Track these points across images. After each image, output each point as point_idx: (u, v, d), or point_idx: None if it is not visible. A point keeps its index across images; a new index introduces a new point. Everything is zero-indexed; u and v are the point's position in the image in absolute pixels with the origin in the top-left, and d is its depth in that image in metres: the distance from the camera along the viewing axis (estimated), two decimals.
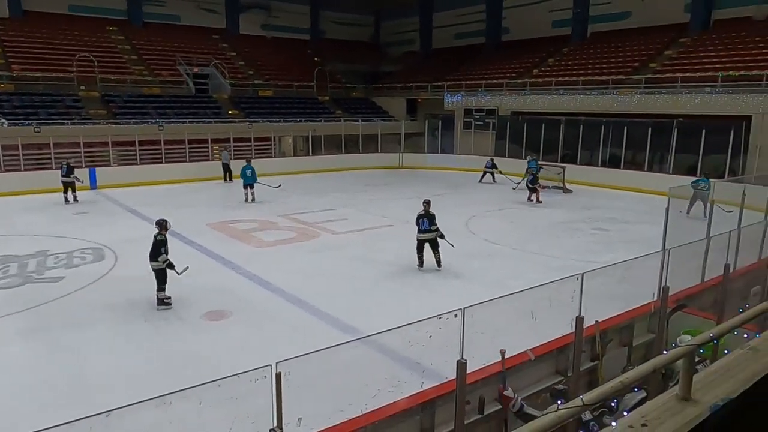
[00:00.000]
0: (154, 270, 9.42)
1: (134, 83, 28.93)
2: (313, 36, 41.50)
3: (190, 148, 25.01)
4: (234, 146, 26.24)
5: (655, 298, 6.57)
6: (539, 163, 22.65)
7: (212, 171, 24.33)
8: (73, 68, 26.86)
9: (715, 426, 2.25)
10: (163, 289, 9.45)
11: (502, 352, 4.62)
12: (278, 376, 2.80)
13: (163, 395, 2.41)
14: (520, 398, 4.70)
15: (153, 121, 25.67)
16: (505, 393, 4.72)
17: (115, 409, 2.36)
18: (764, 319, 4.86)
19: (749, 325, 4.22)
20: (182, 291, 10.11)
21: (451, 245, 11.41)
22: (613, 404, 4.50)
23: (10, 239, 13.69)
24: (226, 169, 24.01)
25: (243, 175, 19.53)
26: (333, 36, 42.11)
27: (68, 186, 18.73)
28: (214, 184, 23.23)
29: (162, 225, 9.83)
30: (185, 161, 24.87)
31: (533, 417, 4.72)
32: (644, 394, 4.93)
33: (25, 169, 21.51)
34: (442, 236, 11.36)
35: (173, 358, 7.44)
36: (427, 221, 11.33)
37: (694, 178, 15.67)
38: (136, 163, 23.70)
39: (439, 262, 11.40)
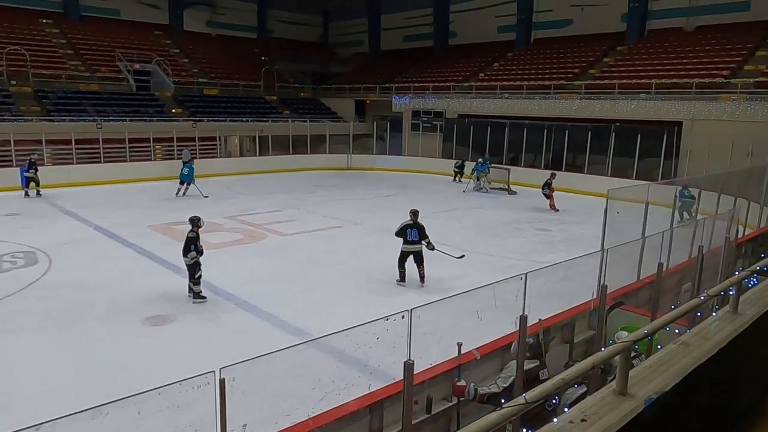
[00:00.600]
0: (186, 265, 9.55)
1: (70, 79, 27.65)
2: (260, 35, 40.88)
3: (130, 147, 24.11)
4: (177, 146, 25.51)
5: (595, 296, 6.81)
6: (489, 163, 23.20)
7: (154, 171, 23.59)
8: (2, 62, 25.43)
9: (649, 418, 2.35)
10: (198, 283, 9.46)
11: (459, 345, 4.71)
12: (222, 382, 2.73)
13: (99, 405, 2.30)
14: (472, 384, 4.76)
15: (91, 118, 24.61)
16: (458, 384, 4.79)
17: (47, 422, 2.23)
18: (694, 314, 5.12)
19: (681, 320, 4.44)
20: (122, 295, 9.75)
21: (457, 258, 10.95)
22: (554, 401, 4.62)
23: None
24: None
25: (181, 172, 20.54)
26: (281, 35, 41.60)
27: (30, 181, 19.18)
28: (158, 185, 22.49)
29: (194, 222, 9.73)
30: (125, 161, 23.98)
31: (492, 395, 4.78)
32: (585, 389, 5.09)
33: None
34: (432, 248, 10.59)
35: (111, 366, 7.14)
36: (416, 231, 10.51)
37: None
38: (73, 163, 22.67)
39: (423, 277, 10.58)
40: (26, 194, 19.15)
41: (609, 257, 6.72)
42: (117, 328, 8.43)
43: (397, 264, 10.68)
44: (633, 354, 5.35)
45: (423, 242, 10.58)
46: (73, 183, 21.37)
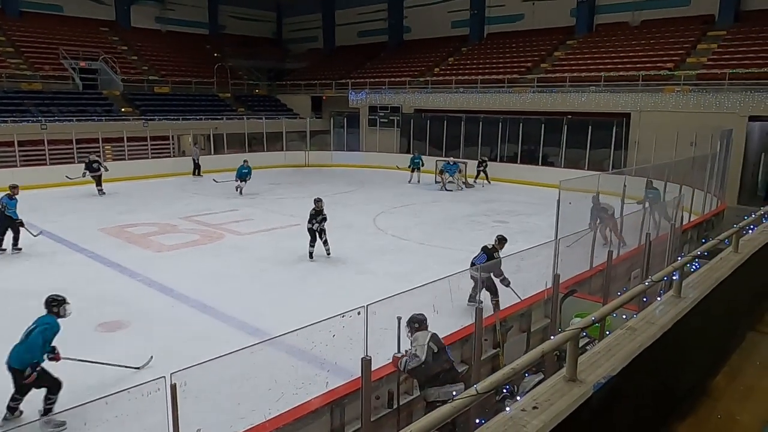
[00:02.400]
0: None
1: (11, 78, 26.44)
2: (211, 31, 40.00)
3: (78, 148, 23.23)
4: (128, 146, 24.77)
5: (549, 286, 6.98)
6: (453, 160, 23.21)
7: (105, 172, 22.79)
8: None
9: (598, 403, 2.42)
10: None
11: (399, 319, 4.71)
12: (173, 387, 2.67)
13: (42, 418, 2.20)
14: (405, 359, 4.72)
15: (34, 119, 23.61)
16: (396, 355, 4.83)
17: None
18: (642, 299, 5.30)
19: (631, 305, 4.59)
20: (73, 301, 9.39)
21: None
22: (506, 389, 4.71)
23: None
24: (195, 164, 24.90)
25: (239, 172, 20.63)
26: (233, 31, 40.81)
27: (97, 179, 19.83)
28: (108, 186, 21.77)
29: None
30: (73, 162, 23.06)
31: (414, 358, 4.74)
32: (541, 377, 5.21)
33: None
34: (507, 284, 8.04)
35: (61, 375, 6.84)
36: (482, 257, 8.58)
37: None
38: (16, 166, 21.70)
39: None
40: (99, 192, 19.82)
41: (562, 247, 6.88)
42: (67, 335, 8.09)
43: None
44: (587, 340, 5.51)
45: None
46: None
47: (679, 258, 3.89)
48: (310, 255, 12.03)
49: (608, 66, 24.44)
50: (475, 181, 23.20)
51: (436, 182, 22.81)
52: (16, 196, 12.81)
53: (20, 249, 12.52)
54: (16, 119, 23.19)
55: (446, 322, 5.13)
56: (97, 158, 20.45)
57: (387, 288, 9.40)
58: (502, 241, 8.83)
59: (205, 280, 10.68)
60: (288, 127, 30.66)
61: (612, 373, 2.53)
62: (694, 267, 4.17)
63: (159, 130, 26.49)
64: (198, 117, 28.83)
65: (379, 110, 30.61)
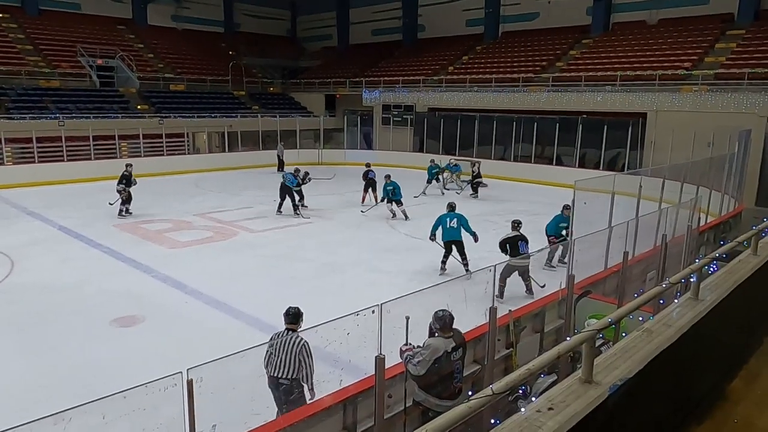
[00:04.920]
0: None
1: (30, 75, 26.79)
2: (227, 29, 40.23)
3: (95, 144, 23.52)
4: (144, 143, 25.01)
5: (563, 286, 6.93)
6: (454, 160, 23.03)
7: (121, 169, 23.02)
8: None
9: (614, 404, 2.40)
10: None
11: (407, 318, 4.67)
12: (190, 383, 2.70)
13: (62, 411, 2.24)
14: (408, 354, 4.66)
15: (52, 116, 23.91)
16: (403, 347, 4.74)
17: (6, 430, 2.17)
18: (658, 302, 5.25)
19: (646, 307, 4.55)
20: (88, 297, 9.53)
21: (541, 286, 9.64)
22: (521, 390, 4.69)
23: None
24: (280, 160, 25.68)
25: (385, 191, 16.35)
26: (248, 29, 41.01)
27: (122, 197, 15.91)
28: None
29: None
30: (90, 159, 23.38)
31: (414, 367, 4.70)
32: (555, 378, 5.18)
33: None
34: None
35: (77, 369, 6.98)
36: (525, 245, 9.87)
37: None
38: (34, 162, 22.02)
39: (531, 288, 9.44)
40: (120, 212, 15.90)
41: (577, 247, 6.83)
42: (84, 330, 8.24)
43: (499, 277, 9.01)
44: (600, 342, 5.47)
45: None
46: (35, 182, 20.76)
47: (697, 260, 3.85)
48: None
49: (624, 65, 24.21)
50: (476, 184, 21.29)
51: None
52: None
53: None
54: (35, 116, 23.50)
55: (459, 321, 5.11)
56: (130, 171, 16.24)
57: (400, 286, 9.43)
58: (520, 224, 10.13)
59: (218, 276, 10.76)
60: (302, 125, 30.77)
61: (628, 375, 2.51)
62: (711, 269, 4.13)
63: (174, 128, 26.70)
64: (213, 114, 29.02)
65: (392, 109, 30.59)
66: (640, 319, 3.39)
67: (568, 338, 2.85)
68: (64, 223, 14.99)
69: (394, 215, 16.09)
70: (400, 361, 4.64)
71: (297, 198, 16.54)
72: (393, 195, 15.95)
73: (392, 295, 4.34)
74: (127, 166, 16.33)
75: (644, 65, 23.65)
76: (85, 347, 7.65)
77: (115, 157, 24.13)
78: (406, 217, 15.92)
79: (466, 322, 5.51)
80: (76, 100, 26.28)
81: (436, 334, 4.69)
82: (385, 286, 10.28)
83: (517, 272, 9.48)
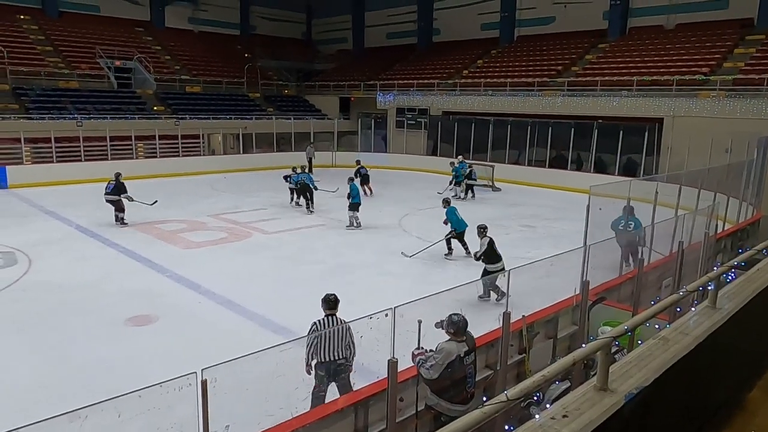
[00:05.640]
0: None
1: (49, 76, 27.19)
2: (242, 31, 40.55)
3: (111, 145, 23.80)
4: (160, 144, 25.25)
5: (577, 292, 6.88)
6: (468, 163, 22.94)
7: (137, 170, 23.32)
8: None
9: (629, 413, 2.38)
10: None
11: (419, 322, 4.68)
12: (204, 383, 2.71)
13: (78, 409, 2.27)
14: (420, 358, 4.66)
15: (71, 116, 24.24)
16: (415, 352, 4.75)
17: (22, 427, 2.20)
18: (674, 310, 5.19)
19: (661, 315, 4.50)
20: (103, 296, 9.63)
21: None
22: (535, 396, 4.65)
23: None
24: (311, 162, 26.10)
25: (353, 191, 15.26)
26: (264, 32, 41.29)
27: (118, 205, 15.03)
28: (140, 183, 22.20)
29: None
30: (107, 159, 23.65)
31: (427, 371, 4.71)
32: (568, 384, 5.13)
33: None
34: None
35: (92, 368, 7.04)
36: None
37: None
38: (53, 161, 22.32)
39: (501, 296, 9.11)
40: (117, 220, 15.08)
41: (591, 253, 6.78)
42: (98, 329, 8.32)
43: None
44: (615, 349, 5.41)
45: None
46: (53, 182, 21.04)
47: (715, 267, 3.80)
48: None
49: (641, 70, 24.00)
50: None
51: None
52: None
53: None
54: (54, 116, 23.84)
55: (471, 326, 5.09)
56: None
57: (409, 290, 9.42)
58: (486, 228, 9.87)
59: (231, 277, 10.82)
60: (316, 127, 30.90)
61: (644, 383, 2.48)
62: (729, 277, 4.07)
63: (190, 129, 26.96)
64: (228, 116, 29.23)
65: (406, 112, 30.61)
66: (656, 326, 3.36)
67: (583, 345, 2.83)
68: (81, 222, 15.17)
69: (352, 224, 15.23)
70: (413, 365, 4.63)
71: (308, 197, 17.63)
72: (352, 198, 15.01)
73: (400, 298, 4.34)
74: (117, 175, 15.19)
75: (661, 70, 23.43)
76: (99, 346, 7.73)
77: (131, 158, 24.43)
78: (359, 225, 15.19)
79: (479, 327, 5.50)
80: (94, 101, 26.63)
81: (449, 338, 4.69)
82: (393, 289, 10.28)
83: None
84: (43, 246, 12.67)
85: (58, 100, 25.74)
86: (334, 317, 5.67)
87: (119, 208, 15.00)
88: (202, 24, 38.45)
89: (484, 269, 9.59)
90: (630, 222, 10.48)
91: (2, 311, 9.02)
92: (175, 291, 10.12)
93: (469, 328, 4.72)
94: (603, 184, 9.29)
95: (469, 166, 21.31)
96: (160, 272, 11.12)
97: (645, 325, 3.67)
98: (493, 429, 3.34)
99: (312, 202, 17.57)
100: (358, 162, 21.66)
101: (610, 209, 10.34)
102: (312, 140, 29.02)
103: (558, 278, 8.56)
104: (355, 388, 4.60)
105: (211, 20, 38.80)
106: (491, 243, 9.68)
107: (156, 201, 16.10)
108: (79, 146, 23.02)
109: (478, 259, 9.80)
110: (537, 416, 2.20)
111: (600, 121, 23.08)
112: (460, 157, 23.26)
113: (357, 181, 16.93)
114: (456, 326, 4.68)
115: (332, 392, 4.64)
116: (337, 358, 5.31)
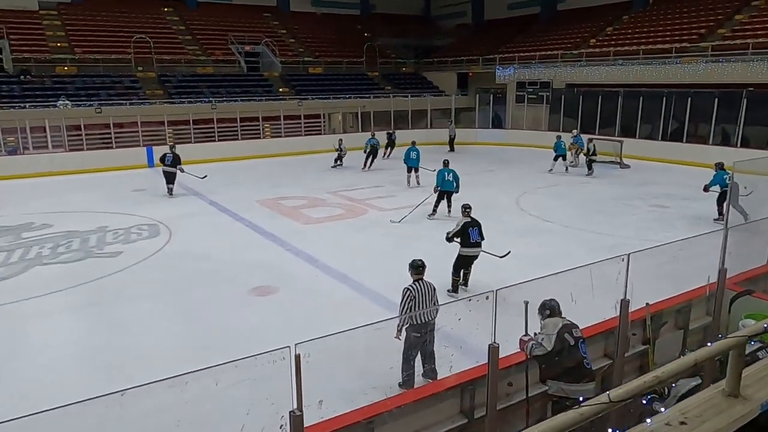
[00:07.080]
0: None
1: (188, 63, 29.54)
2: (362, 11, 41.09)
3: (241, 126, 25.45)
4: (285, 124, 26.51)
5: (711, 280, 6.17)
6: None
7: (263, 149, 24.75)
8: (130, 50, 27.67)
9: (766, 425, 2.04)
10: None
11: (526, 303, 4.56)
12: (297, 357, 2.76)
13: (177, 375, 2.40)
14: (532, 342, 4.51)
15: (206, 100, 26.20)
16: (523, 338, 4.62)
17: (129, 388, 2.36)
18: None
19: None
20: (232, 266, 10.35)
21: (501, 257, 9.12)
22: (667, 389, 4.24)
23: (69, 216, 14.31)
24: (451, 139, 26.67)
25: (407, 158, 17.66)
26: (383, 10, 41.53)
27: (171, 177, 16.55)
28: (266, 162, 23.57)
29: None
30: (237, 139, 25.33)
31: (539, 347, 4.50)
32: (698, 381, 4.63)
33: (88, 149, 22.46)
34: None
35: (219, 333, 7.60)
36: (477, 231, 8.85)
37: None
38: (191, 142, 24.31)
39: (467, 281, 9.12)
40: (169, 192, 16.64)
41: (732, 237, 6.02)
42: (225, 296, 8.97)
43: (452, 271, 8.96)
44: (758, 346, 4.73)
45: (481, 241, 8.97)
46: (190, 161, 22.85)
47: None
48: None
49: None
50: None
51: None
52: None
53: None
54: (192, 100, 25.91)
55: (586, 314, 4.75)
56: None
57: (525, 271, 9.04)
58: (470, 208, 9.19)
59: (347, 252, 11.12)
60: (433, 104, 30.68)
61: None
62: None
63: (312, 109, 28.01)
64: (347, 96, 29.91)
65: (527, 86, 29.35)
66: None
67: (719, 337, 2.48)
68: (214, 198, 16.39)
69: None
70: (519, 350, 4.43)
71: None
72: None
73: (514, 279, 4.13)
74: (172, 146, 17.26)
75: None
76: (226, 313, 8.33)
77: (259, 138, 25.91)
78: (418, 183, 17.42)
79: (592, 315, 5.13)
80: (226, 85, 28.54)
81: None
82: (510, 271, 9.94)
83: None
84: (181, 218, 13.86)
85: (196, 85, 27.91)
86: (421, 281, 6.02)
87: (172, 180, 16.61)
88: (324, 6, 39.50)
89: (458, 253, 8.87)
90: None
91: (147, 276, 10.02)
92: (294, 264, 10.60)
93: (581, 315, 4.42)
94: (749, 160, 8.21)
95: (590, 141, 20.00)
96: (281, 246, 11.71)
97: None
98: (604, 425, 3.07)
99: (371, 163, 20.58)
100: (389, 133, 24.56)
101: (759, 188, 9.15)
102: (452, 118, 29.11)
103: (693, 263, 7.74)
104: (453, 372, 4.49)
105: (332, 1, 39.73)
106: (466, 224, 8.85)
107: (206, 175, 17.02)
108: (213, 128, 24.83)
109: (449, 240, 9.01)
110: (649, 421, 1.95)
111: (751, 89, 20.49)
112: (575, 130, 21.98)
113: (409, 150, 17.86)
114: (551, 308, 4.62)
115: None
116: (431, 319, 5.62)
